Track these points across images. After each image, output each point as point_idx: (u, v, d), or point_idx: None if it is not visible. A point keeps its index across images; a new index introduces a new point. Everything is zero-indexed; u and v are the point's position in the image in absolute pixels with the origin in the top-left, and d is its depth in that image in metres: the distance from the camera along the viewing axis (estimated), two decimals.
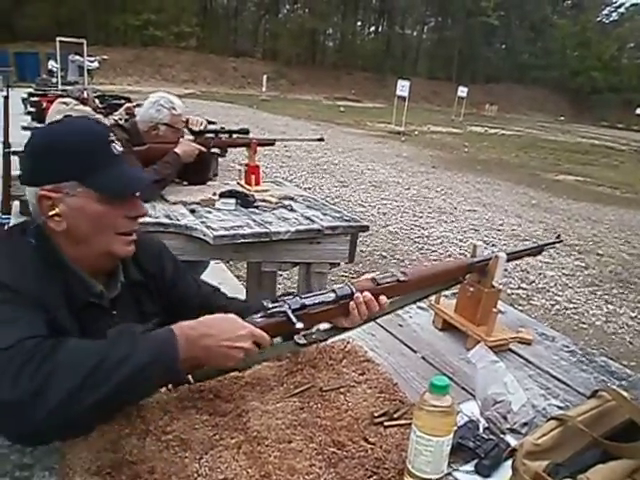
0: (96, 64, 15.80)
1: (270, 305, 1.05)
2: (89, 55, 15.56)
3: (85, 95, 5.39)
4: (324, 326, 1.18)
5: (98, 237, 1.05)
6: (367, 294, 1.12)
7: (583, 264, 5.59)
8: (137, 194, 1.11)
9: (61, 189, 1.01)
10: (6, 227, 3.39)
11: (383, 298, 1.15)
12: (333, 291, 1.11)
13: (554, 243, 1.58)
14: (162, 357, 0.89)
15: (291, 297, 1.07)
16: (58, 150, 1.02)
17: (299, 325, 1.03)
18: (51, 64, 15.21)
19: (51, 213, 1.01)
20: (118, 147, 1.09)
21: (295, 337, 1.08)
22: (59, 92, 6.82)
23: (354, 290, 1.12)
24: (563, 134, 25.76)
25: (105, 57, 18.55)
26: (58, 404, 0.79)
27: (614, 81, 43.98)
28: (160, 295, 1.24)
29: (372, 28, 46.84)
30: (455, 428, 0.92)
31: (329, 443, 0.94)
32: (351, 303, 1.12)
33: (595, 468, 0.77)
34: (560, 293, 4.70)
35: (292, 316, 1.03)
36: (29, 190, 1.04)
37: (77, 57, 14.98)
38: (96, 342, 0.88)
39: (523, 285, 4.76)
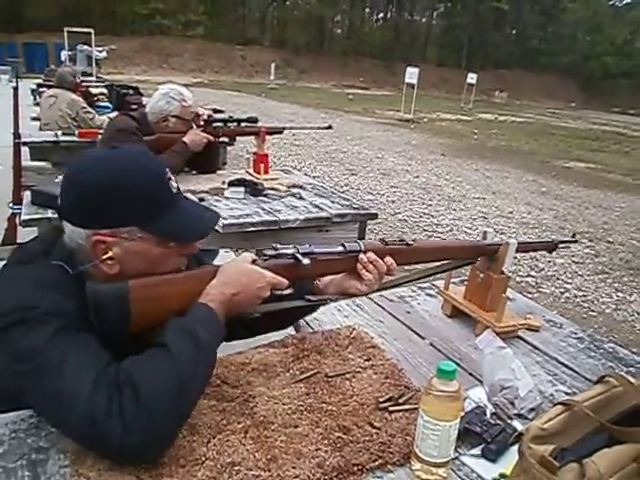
0: (104, 54, 15.79)
1: (279, 246, 1.07)
2: (97, 45, 15.56)
3: (78, 81, 5.21)
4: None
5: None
6: (371, 255, 1.14)
7: (593, 252, 5.54)
8: None
9: (119, 234, 0.95)
10: (17, 218, 3.42)
11: (390, 259, 1.16)
12: (342, 245, 1.13)
13: (569, 242, 1.56)
14: (218, 336, 0.96)
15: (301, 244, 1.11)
16: (119, 194, 0.93)
17: (306, 261, 1.05)
18: (64, 54, 15.26)
19: (104, 257, 0.95)
20: (175, 184, 1.03)
21: (306, 296, 1.13)
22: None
23: (362, 246, 1.14)
24: (574, 120, 25.48)
25: (113, 47, 18.54)
26: (165, 428, 0.84)
27: (627, 66, 43.28)
28: None
29: (380, 15, 46.47)
30: (462, 413, 0.92)
31: (334, 428, 0.95)
32: (358, 265, 1.13)
33: (601, 452, 0.77)
34: (570, 281, 4.67)
35: (299, 255, 1.06)
36: (77, 230, 0.95)
37: (85, 47, 14.99)
38: (160, 355, 0.87)
39: (532, 273, 4.73)
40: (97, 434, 0.81)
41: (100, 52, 15.46)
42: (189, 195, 2.53)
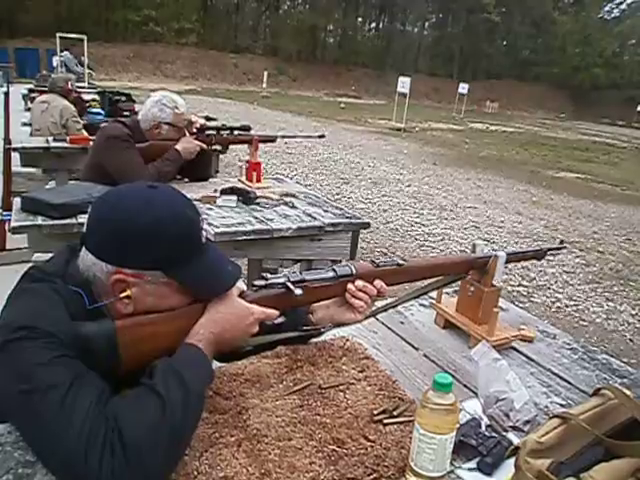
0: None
1: (269, 276, 1.06)
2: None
3: (69, 86, 5.17)
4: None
5: None
6: (359, 283, 1.13)
7: (584, 261, 5.58)
8: None
9: (143, 275, 0.93)
10: (7, 225, 3.39)
11: (380, 282, 1.15)
12: (333, 269, 1.12)
13: (558, 249, 1.56)
14: (207, 380, 0.94)
15: (291, 271, 1.10)
16: (154, 240, 0.92)
17: (298, 292, 1.04)
18: (55, 60, 15.31)
19: (121, 295, 0.93)
20: (205, 233, 1.02)
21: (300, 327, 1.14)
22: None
23: (353, 270, 1.13)
24: (564, 131, 25.71)
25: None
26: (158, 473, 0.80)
27: (615, 78, 43.81)
28: None
29: (373, 24, 46.76)
30: (458, 426, 0.91)
31: (329, 441, 0.94)
32: (347, 294, 1.13)
33: (599, 467, 0.77)
34: (561, 290, 4.69)
35: (291, 285, 1.04)
36: (98, 263, 0.93)
37: (67, 53, 15.02)
38: (149, 401, 0.82)
39: (524, 282, 4.75)
40: (81, 474, 0.76)
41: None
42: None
